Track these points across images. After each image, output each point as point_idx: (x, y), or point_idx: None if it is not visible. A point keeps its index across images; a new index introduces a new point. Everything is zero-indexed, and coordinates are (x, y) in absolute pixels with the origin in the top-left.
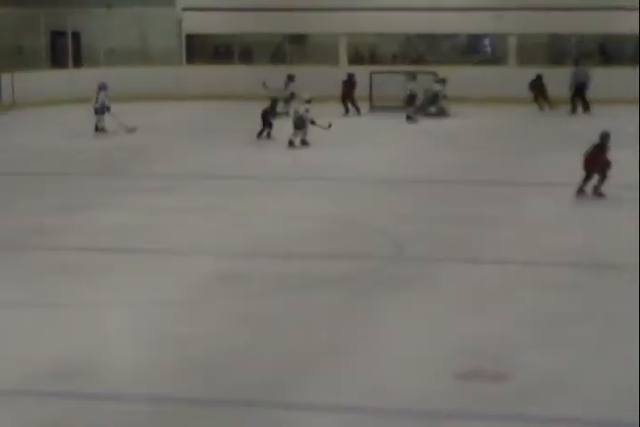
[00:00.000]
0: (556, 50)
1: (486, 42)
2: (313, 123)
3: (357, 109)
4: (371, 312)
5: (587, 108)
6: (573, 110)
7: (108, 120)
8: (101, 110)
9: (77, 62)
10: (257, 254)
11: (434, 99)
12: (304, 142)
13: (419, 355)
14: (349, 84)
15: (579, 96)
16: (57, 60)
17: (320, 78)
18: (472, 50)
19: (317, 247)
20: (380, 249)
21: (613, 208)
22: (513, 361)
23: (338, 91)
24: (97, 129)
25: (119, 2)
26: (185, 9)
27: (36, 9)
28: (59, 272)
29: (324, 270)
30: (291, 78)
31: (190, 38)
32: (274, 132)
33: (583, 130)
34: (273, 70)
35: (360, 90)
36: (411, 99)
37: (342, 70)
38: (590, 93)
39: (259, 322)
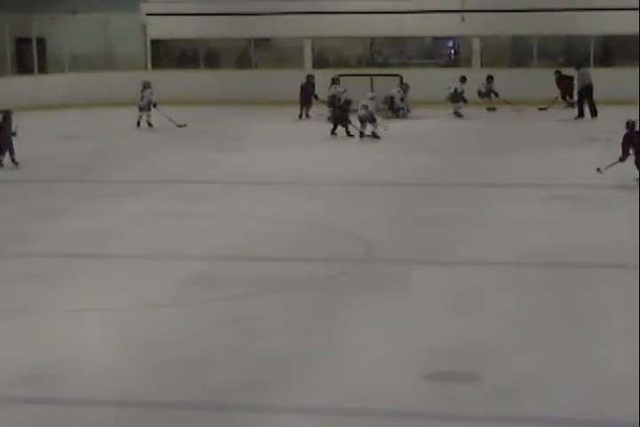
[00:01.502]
0: (519, 52)
1: (450, 44)
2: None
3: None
4: (343, 314)
5: (594, 112)
6: (580, 115)
7: (155, 116)
8: (147, 107)
9: (43, 68)
10: (227, 258)
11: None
12: (375, 135)
13: (391, 356)
14: (309, 85)
15: (585, 100)
16: (22, 67)
17: (285, 82)
18: (436, 52)
19: (288, 250)
20: (350, 251)
21: (587, 208)
22: (486, 362)
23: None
24: (138, 125)
25: (84, 7)
26: (149, 14)
27: (0, 15)
28: (31, 278)
29: (296, 273)
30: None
31: (155, 43)
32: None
33: (546, 130)
34: (238, 75)
35: (326, 93)
36: (455, 96)
37: (307, 74)
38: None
39: (230, 325)
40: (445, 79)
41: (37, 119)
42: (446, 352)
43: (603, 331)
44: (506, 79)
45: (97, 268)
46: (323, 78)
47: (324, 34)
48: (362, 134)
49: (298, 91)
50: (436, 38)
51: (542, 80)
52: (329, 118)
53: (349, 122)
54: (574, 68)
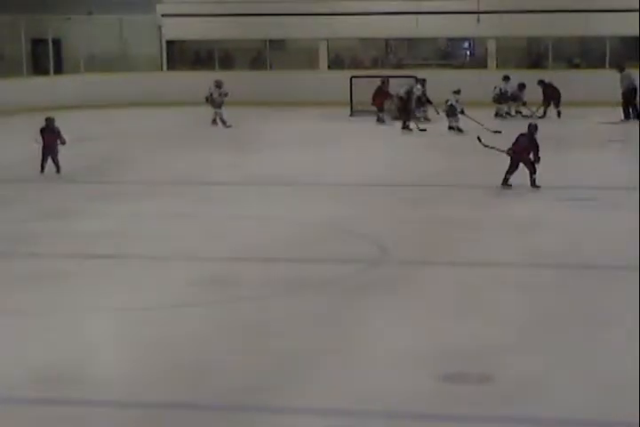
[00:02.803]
0: (534, 53)
1: (466, 45)
2: (462, 112)
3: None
4: (355, 316)
5: (638, 115)
6: (627, 117)
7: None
8: (220, 105)
9: (58, 69)
10: (240, 259)
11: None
12: (459, 129)
13: (403, 357)
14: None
15: (630, 102)
16: (38, 67)
17: (300, 83)
18: (451, 53)
19: (301, 252)
20: (363, 253)
21: (592, 209)
22: (496, 363)
23: (318, 95)
24: (214, 122)
25: (100, 8)
26: (165, 15)
27: (16, 16)
28: (44, 279)
29: (309, 275)
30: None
31: (170, 44)
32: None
33: (561, 131)
34: (253, 76)
35: (341, 94)
36: (501, 97)
37: (322, 75)
38: (571, 96)
39: (243, 327)
40: (460, 80)
41: None
42: (457, 354)
43: (613, 333)
44: (521, 80)
45: (110, 268)
46: (338, 80)
47: (339, 35)
48: (451, 128)
49: (312, 92)
50: (451, 39)
51: (557, 81)
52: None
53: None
54: (617, 71)
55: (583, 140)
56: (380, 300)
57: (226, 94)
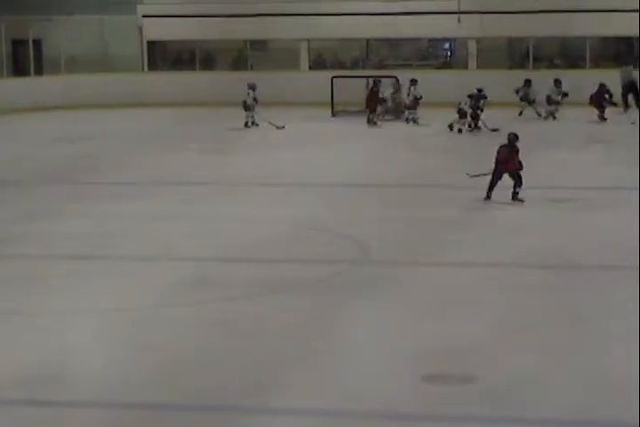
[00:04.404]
0: (515, 53)
1: (446, 46)
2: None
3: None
4: (338, 316)
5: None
6: (626, 110)
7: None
8: (252, 107)
9: (39, 70)
10: (223, 260)
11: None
12: (460, 131)
13: (386, 357)
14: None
15: (630, 95)
16: (18, 68)
17: (281, 84)
18: (432, 54)
19: (285, 252)
20: (345, 253)
21: (575, 210)
22: (482, 363)
23: (299, 96)
24: (246, 125)
25: (80, 9)
26: (146, 16)
27: None
28: (24, 280)
29: (291, 275)
30: (413, 82)
31: (151, 45)
32: None
33: (543, 132)
34: (234, 76)
35: (322, 95)
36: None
37: (303, 75)
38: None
39: (227, 327)
40: (441, 81)
41: (33, 121)
42: (442, 354)
43: (599, 333)
44: (502, 81)
45: (92, 269)
46: (319, 80)
47: (320, 35)
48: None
49: (293, 92)
50: (431, 40)
51: (539, 81)
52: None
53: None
54: (617, 66)
55: (565, 141)
56: (363, 300)
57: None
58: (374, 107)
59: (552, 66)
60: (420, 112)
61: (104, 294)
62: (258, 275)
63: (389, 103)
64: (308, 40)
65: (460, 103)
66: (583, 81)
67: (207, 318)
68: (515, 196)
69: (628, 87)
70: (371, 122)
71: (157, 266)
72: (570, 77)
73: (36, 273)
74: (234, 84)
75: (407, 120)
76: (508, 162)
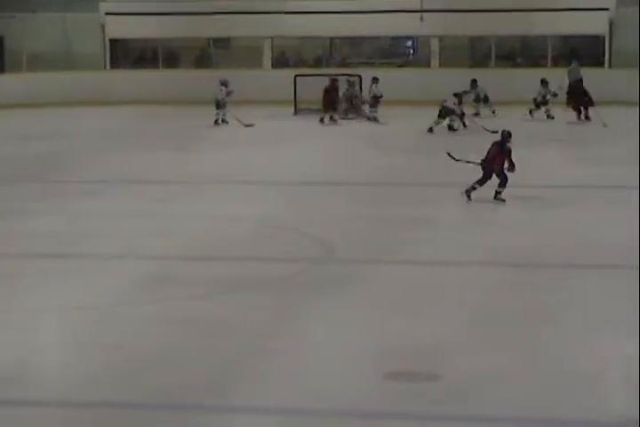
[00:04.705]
0: (477, 52)
1: (409, 44)
2: (463, 114)
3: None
4: (301, 314)
5: (591, 103)
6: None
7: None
8: (223, 104)
9: (0, 68)
10: (187, 258)
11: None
12: (450, 128)
13: (349, 355)
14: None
15: (577, 94)
16: None
17: (244, 82)
18: (395, 52)
19: (248, 250)
20: (309, 251)
21: (541, 208)
22: (447, 361)
23: (262, 94)
24: (216, 122)
25: (43, 7)
26: (108, 13)
27: None
28: None
29: (255, 273)
30: (375, 81)
31: (114, 43)
32: None
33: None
34: (197, 74)
35: (285, 93)
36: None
37: (266, 74)
38: (503, 95)
39: (190, 325)
40: (403, 79)
41: None
42: (408, 352)
43: (564, 330)
44: (464, 79)
45: (55, 268)
46: (282, 78)
47: (283, 33)
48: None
49: (256, 90)
50: (394, 38)
51: (500, 80)
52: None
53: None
54: (568, 64)
55: (526, 139)
56: (326, 299)
57: (231, 92)
58: (329, 106)
59: (514, 65)
60: (381, 110)
61: (68, 292)
62: (221, 273)
63: (343, 102)
64: (272, 38)
65: (444, 101)
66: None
67: (170, 316)
68: (497, 195)
69: (577, 85)
70: (324, 121)
71: (123, 264)
72: (531, 76)
73: (4, 271)
74: (197, 83)
75: (368, 118)
76: (495, 160)
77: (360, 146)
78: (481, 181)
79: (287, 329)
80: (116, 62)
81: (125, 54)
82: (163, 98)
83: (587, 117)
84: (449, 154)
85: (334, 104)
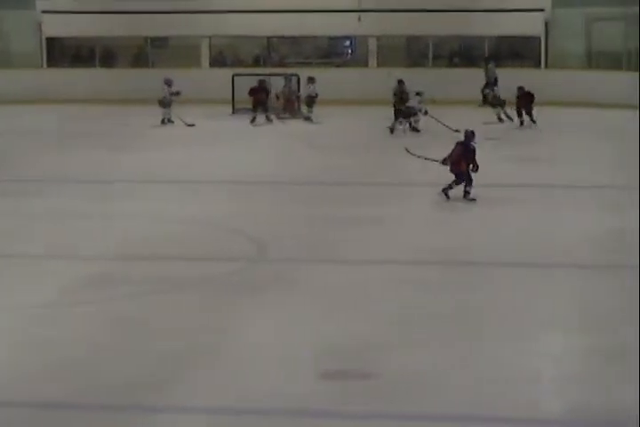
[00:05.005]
0: (414, 52)
1: (347, 44)
2: (426, 112)
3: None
4: (236, 313)
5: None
6: (485, 103)
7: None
8: (168, 104)
9: None
10: (127, 258)
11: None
12: (415, 129)
13: (283, 355)
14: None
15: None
16: None
17: (182, 81)
18: (333, 52)
19: (183, 250)
20: (244, 251)
21: (485, 207)
22: (379, 360)
23: (199, 93)
24: (163, 122)
25: None
26: (45, 11)
27: None
28: None
29: (190, 273)
30: (311, 80)
31: (51, 41)
32: None
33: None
34: (135, 74)
35: (223, 92)
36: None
37: (204, 73)
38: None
39: (125, 325)
40: (342, 79)
41: None
42: (340, 351)
43: (495, 329)
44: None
45: None
46: (220, 78)
47: (221, 33)
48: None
49: (195, 89)
50: (332, 38)
51: (437, 80)
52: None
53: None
54: (484, 64)
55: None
56: (263, 298)
57: (177, 93)
58: (259, 106)
59: (451, 64)
60: (317, 110)
61: (7, 291)
62: (157, 272)
63: (275, 101)
64: (209, 37)
65: (402, 100)
66: (481, 80)
67: (105, 315)
68: (466, 195)
69: (492, 84)
70: (254, 121)
71: (61, 264)
72: (469, 76)
73: None
74: (134, 82)
75: (304, 118)
76: (460, 162)
77: (296, 145)
78: (457, 182)
79: (221, 329)
80: (53, 61)
81: (63, 53)
82: (100, 97)
83: (507, 117)
84: (407, 150)
85: (264, 104)
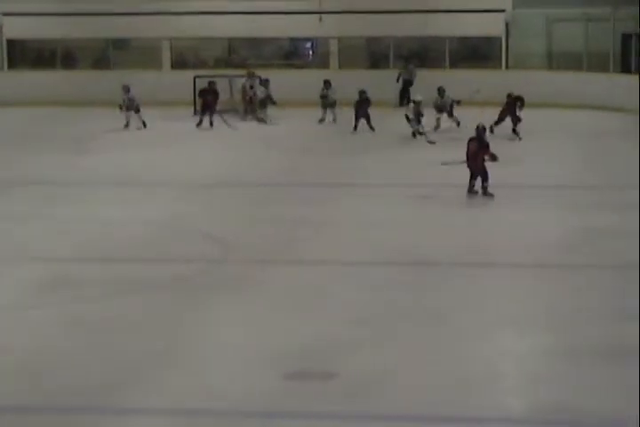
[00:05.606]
0: (375, 53)
1: (308, 45)
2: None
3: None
4: (198, 315)
5: (408, 101)
6: (401, 104)
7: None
8: (128, 108)
9: None
10: (84, 260)
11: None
12: (420, 133)
13: (245, 356)
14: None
15: (406, 91)
16: None
17: (143, 83)
18: (294, 53)
19: (145, 251)
20: (205, 252)
21: (442, 208)
22: (341, 360)
23: (161, 95)
24: (126, 126)
25: None
26: (5, 14)
27: None
28: None
29: (152, 274)
30: (264, 82)
31: (11, 43)
32: None
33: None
34: (95, 75)
35: (184, 94)
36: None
37: (165, 75)
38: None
39: (86, 327)
40: (303, 81)
41: None
42: (301, 351)
43: (454, 328)
44: (363, 80)
45: None
46: (181, 80)
47: (182, 35)
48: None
49: (155, 92)
50: (293, 39)
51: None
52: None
53: None
54: (404, 65)
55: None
56: (224, 299)
57: (132, 99)
58: (207, 108)
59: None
60: (277, 112)
61: None
62: (118, 274)
63: (242, 102)
64: (170, 39)
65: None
66: (443, 81)
67: (64, 318)
68: (484, 191)
69: (406, 85)
70: (201, 124)
71: (17, 266)
72: (430, 78)
73: None
74: (95, 84)
75: (258, 120)
76: (476, 157)
77: (257, 147)
78: (474, 177)
79: (183, 330)
80: (13, 63)
81: (23, 55)
82: (61, 99)
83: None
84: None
85: (211, 107)
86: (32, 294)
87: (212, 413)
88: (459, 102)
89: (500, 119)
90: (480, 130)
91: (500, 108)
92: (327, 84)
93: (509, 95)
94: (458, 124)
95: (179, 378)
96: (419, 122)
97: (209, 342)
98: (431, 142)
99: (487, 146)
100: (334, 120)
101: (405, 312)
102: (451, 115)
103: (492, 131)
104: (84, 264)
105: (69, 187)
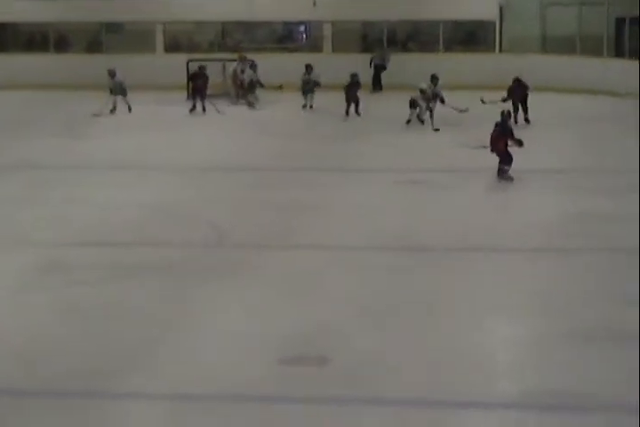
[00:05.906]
0: (369, 37)
1: (302, 29)
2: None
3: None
4: (193, 299)
5: (379, 88)
6: (375, 90)
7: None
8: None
9: None
10: (79, 244)
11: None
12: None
13: (242, 341)
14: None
15: (377, 76)
16: None
17: (136, 67)
18: (288, 37)
19: (140, 236)
20: (201, 237)
21: (435, 193)
22: (336, 345)
23: (154, 79)
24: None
25: None
26: None
27: None
28: None
29: (148, 259)
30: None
31: (3, 27)
32: None
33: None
34: (88, 59)
35: (177, 78)
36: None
37: (159, 58)
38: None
39: (81, 311)
40: (296, 64)
41: None
42: (297, 336)
43: (448, 314)
44: (356, 64)
45: None
46: (175, 63)
47: (175, 18)
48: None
49: (149, 75)
50: (287, 23)
51: (392, 65)
52: None
53: None
54: (378, 49)
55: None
56: (220, 284)
57: (119, 83)
58: (197, 93)
59: (406, 50)
60: (271, 95)
61: None
62: (113, 259)
63: (234, 86)
64: (164, 23)
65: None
66: (437, 65)
67: (60, 303)
68: (503, 174)
69: (379, 69)
70: (194, 110)
71: (11, 250)
72: (424, 61)
73: None
74: (88, 67)
75: (248, 104)
76: (498, 142)
77: (249, 131)
78: (502, 162)
79: (179, 314)
80: (5, 46)
81: (15, 38)
82: (53, 82)
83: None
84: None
85: (201, 91)
86: (26, 279)
87: (209, 397)
88: (443, 102)
89: (515, 107)
90: (505, 116)
91: (505, 93)
92: (309, 68)
93: (517, 80)
94: (459, 110)
95: (175, 363)
96: (429, 109)
97: (205, 327)
98: (436, 130)
99: (511, 131)
100: (311, 106)
101: (402, 297)
102: (442, 101)
103: (515, 121)
104: (79, 249)
105: (63, 171)
